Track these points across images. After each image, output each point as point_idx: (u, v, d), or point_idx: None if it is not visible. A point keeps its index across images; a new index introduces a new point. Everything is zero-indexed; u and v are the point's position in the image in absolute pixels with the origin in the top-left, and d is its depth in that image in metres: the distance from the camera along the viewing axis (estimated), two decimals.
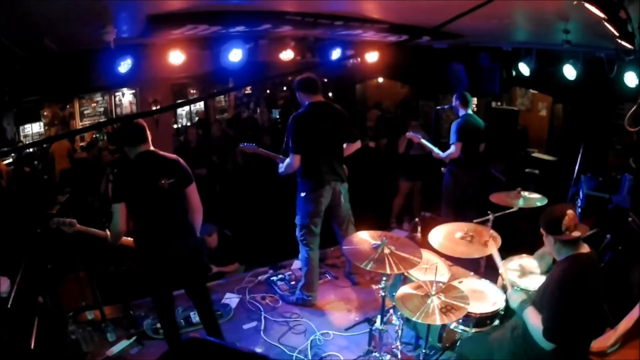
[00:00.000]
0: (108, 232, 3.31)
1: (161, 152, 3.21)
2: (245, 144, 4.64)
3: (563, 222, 2.44)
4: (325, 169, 4.17)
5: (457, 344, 3.17)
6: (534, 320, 2.54)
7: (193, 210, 3.30)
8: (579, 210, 4.88)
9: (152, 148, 3.16)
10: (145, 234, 3.19)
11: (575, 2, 2.57)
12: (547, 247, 2.64)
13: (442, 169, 5.60)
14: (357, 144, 4.46)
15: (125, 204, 3.06)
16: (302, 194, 4.21)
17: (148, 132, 3.16)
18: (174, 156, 3.24)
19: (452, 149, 5.25)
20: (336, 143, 4.27)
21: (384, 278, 3.38)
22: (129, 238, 3.31)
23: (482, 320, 3.20)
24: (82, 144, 8.54)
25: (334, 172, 4.22)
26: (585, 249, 2.52)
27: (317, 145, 4.12)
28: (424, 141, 5.48)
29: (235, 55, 5.05)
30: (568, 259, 2.48)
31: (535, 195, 4.05)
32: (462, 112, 5.38)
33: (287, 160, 4.15)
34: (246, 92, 11.30)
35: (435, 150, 5.45)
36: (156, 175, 3.09)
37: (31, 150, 7.48)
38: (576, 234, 2.43)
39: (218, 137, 8.61)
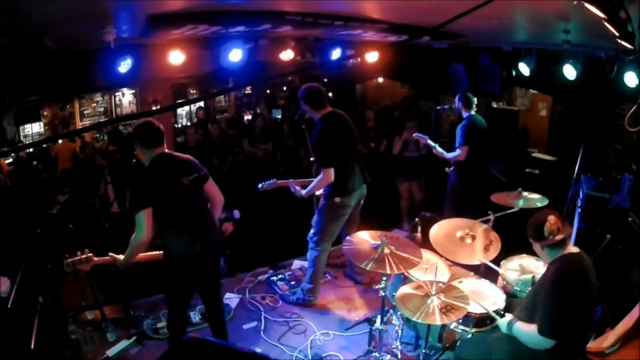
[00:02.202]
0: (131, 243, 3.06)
1: (175, 153, 3.22)
2: (263, 183, 4.52)
3: (545, 228, 2.57)
4: (354, 176, 4.24)
5: (456, 345, 3.17)
6: (524, 328, 2.61)
7: (215, 202, 3.34)
8: (579, 210, 4.87)
9: (166, 150, 3.15)
10: (171, 234, 3.12)
11: (575, 2, 2.57)
12: (538, 254, 2.75)
13: (447, 169, 5.56)
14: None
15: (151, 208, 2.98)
16: (337, 199, 4.18)
17: (164, 135, 3.15)
18: (187, 156, 3.26)
19: (458, 152, 5.19)
20: (355, 148, 4.36)
21: (384, 278, 3.39)
22: (152, 252, 3.21)
23: (482, 320, 3.20)
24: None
25: (362, 177, 4.34)
26: (573, 249, 2.63)
27: (343, 155, 4.14)
28: (430, 142, 5.37)
29: (235, 55, 5.05)
30: (559, 260, 2.58)
31: (536, 196, 4.05)
32: (465, 114, 5.31)
33: (320, 176, 4.09)
34: (246, 92, 11.28)
35: (439, 149, 5.33)
36: (177, 175, 3.09)
37: (31, 150, 7.47)
38: (560, 236, 2.56)
39: (217, 137, 8.59)
